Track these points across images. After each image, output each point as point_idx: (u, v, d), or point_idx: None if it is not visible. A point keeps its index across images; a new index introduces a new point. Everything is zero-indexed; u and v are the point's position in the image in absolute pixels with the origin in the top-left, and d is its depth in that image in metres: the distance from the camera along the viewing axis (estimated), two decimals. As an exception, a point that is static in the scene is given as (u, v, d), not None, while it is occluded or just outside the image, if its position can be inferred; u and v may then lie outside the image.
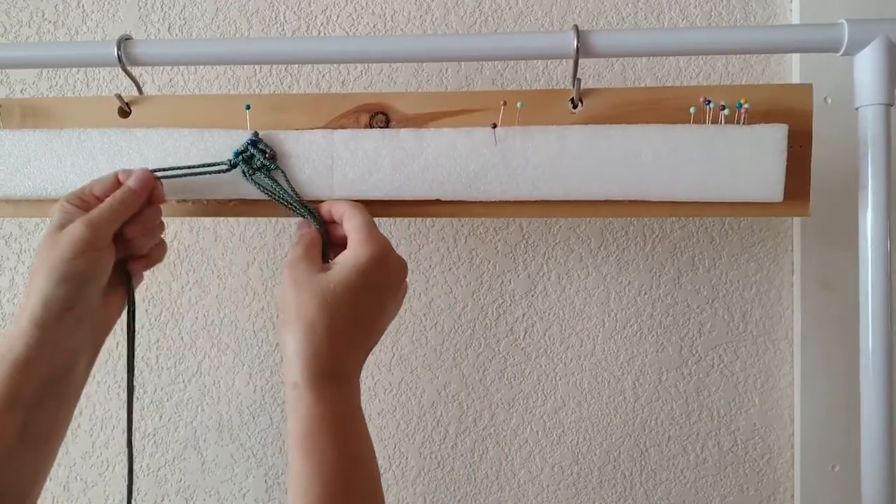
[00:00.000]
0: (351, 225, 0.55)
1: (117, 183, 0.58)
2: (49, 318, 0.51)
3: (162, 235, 0.63)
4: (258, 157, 0.62)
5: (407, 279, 0.56)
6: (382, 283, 0.52)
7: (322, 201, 0.62)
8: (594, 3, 0.82)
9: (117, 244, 0.57)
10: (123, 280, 0.60)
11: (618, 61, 0.82)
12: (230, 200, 0.65)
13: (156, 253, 0.62)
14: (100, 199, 0.57)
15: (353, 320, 0.51)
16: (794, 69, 0.80)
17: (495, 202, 0.64)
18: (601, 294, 0.84)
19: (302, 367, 0.48)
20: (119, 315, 0.61)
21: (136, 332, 0.86)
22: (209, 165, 0.62)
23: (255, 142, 0.63)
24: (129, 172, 0.59)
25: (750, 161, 0.60)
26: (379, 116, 0.65)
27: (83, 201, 0.56)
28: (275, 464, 0.87)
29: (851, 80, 0.60)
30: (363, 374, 0.86)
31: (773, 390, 0.83)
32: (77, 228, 0.52)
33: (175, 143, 0.64)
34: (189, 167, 0.62)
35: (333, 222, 0.59)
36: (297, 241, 0.56)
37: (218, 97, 0.70)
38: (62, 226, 0.53)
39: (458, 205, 0.64)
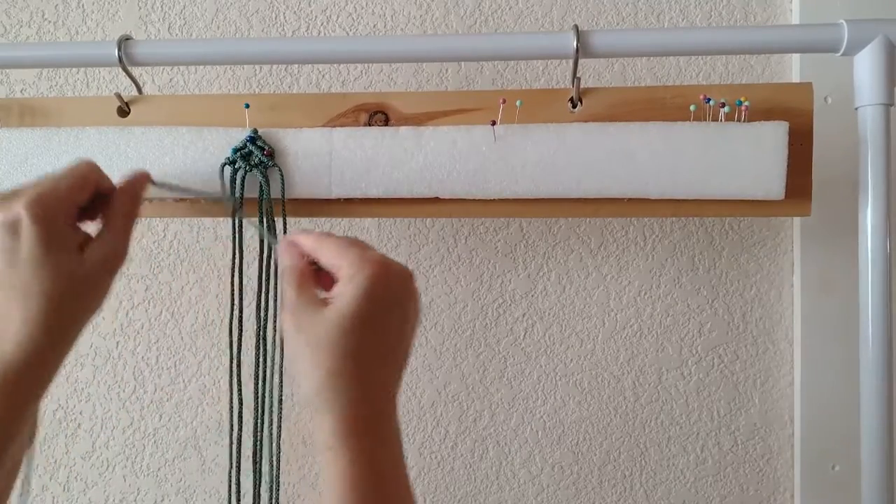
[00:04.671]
0: (331, 252, 0.47)
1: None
2: None
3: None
4: (256, 154, 0.62)
5: (414, 282, 0.50)
6: (392, 300, 0.45)
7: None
8: (594, 3, 0.82)
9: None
10: None
11: (618, 61, 0.82)
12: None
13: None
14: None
15: (375, 353, 0.44)
16: (793, 69, 0.80)
17: (495, 201, 0.64)
18: (601, 294, 0.84)
19: (333, 428, 0.42)
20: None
21: (136, 333, 0.87)
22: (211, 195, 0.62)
23: (253, 138, 0.63)
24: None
25: (751, 158, 0.60)
26: (378, 116, 0.65)
27: None
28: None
29: (851, 81, 0.60)
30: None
31: (773, 390, 0.83)
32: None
33: (173, 140, 0.64)
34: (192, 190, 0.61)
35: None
36: (286, 280, 0.48)
37: (217, 97, 0.70)
38: None
39: (457, 203, 0.64)
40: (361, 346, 0.43)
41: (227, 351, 0.86)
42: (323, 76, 0.84)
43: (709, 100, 0.61)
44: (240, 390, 0.66)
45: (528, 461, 0.86)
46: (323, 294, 0.47)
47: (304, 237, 0.49)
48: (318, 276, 0.48)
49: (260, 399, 0.68)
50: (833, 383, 0.79)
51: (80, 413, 0.88)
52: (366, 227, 0.84)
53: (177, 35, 0.85)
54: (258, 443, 0.67)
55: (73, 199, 0.49)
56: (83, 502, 0.89)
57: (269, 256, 0.66)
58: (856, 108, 0.60)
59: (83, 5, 0.85)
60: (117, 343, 0.87)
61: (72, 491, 0.89)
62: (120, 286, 0.86)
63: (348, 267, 0.45)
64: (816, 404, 0.80)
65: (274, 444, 0.66)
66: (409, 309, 0.47)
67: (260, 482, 0.68)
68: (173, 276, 0.86)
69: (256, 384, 0.68)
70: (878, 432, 0.60)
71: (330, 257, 0.47)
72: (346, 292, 0.44)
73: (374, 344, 0.44)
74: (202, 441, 0.87)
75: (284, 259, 0.49)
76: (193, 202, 0.67)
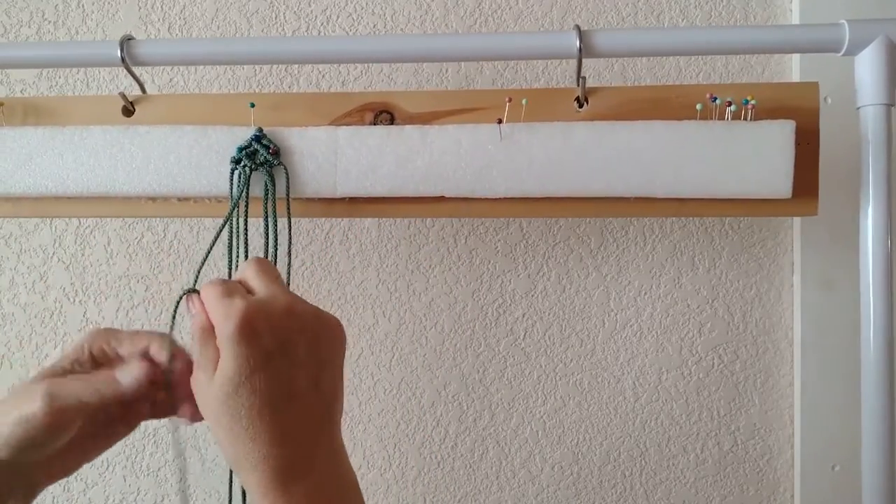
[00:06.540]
0: (208, 306, 0.43)
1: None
2: None
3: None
4: (262, 153, 0.62)
5: (297, 316, 0.43)
6: (268, 351, 0.41)
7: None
8: (594, 4, 0.82)
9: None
10: None
11: (618, 61, 0.82)
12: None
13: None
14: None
15: (270, 408, 0.41)
16: (794, 69, 0.80)
17: (500, 200, 0.64)
18: (601, 294, 0.84)
19: (251, 489, 0.41)
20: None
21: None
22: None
23: (259, 137, 0.63)
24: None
25: (757, 157, 0.60)
26: (384, 115, 0.65)
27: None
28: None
29: (851, 81, 0.60)
30: (363, 374, 0.85)
31: (773, 390, 0.83)
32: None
33: (177, 139, 0.64)
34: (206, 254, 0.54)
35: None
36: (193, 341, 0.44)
37: (222, 96, 0.70)
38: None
39: (462, 202, 0.64)
40: (251, 408, 0.40)
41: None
42: (323, 76, 0.84)
43: (715, 99, 0.61)
44: None
45: (528, 461, 0.86)
46: None
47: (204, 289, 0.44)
48: None
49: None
50: (833, 383, 0.80)
51: (80, 413, 0.88)
52: (366, 228, 0.84)
53: (177, 35, 0.85)
54: None
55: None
56: (83, 502, 0.88)
57: (275, 258, 0.65)
58: (857, 109, 0.60)
59: (83, 5, 0.85)
60: (117, 343, 0.87)
61: (72, 491, 0.88)
62: (120, 286, 0.86)
63: (217, 326, 0.41)
64: (816, 404, 0.81)
65: None
66: (298, 347, 0.42)
67: None
68: (173, 276, 0.86)
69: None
70: (878, 432, 0.60)
71: (209, 312, 0.43)
72: (222, 355, 0.41)
73: (265, 400, 0.40)
74: (202, 441, 0.87)
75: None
76: (193, 202, 0.67)
